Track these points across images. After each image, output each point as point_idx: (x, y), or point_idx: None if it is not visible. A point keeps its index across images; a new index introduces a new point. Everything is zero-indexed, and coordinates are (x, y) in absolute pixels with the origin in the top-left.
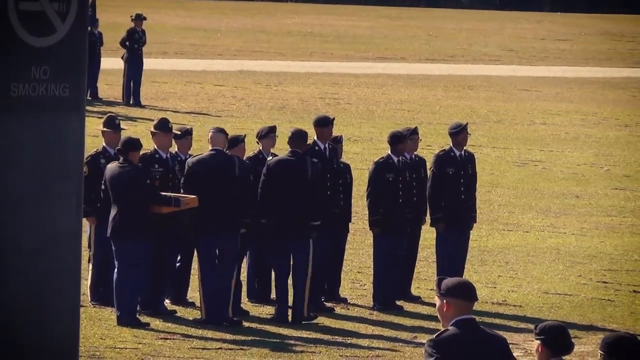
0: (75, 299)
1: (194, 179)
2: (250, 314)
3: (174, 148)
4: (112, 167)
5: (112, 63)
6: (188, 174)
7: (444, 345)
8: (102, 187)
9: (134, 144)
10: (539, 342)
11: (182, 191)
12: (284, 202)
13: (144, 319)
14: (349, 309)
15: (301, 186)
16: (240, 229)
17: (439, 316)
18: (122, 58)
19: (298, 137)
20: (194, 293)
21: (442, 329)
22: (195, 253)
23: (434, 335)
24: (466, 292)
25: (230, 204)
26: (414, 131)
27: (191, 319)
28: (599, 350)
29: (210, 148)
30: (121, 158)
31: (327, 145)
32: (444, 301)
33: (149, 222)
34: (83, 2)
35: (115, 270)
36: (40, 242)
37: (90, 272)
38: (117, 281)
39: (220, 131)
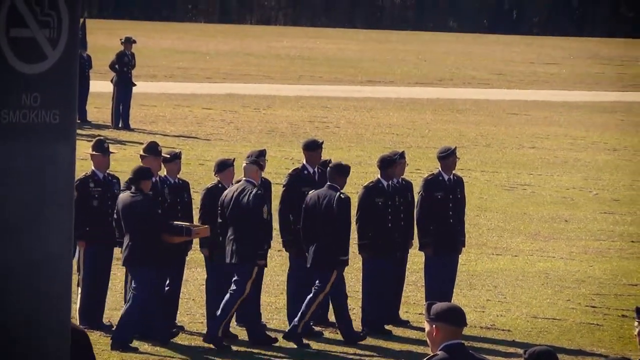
0: (66, 324)
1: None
2: (239, 338)
3: (163, 171)
4: (123, 196)
5: (101, 86)
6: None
7: None
8: (115, 215)
9: (145, 173)
10: None
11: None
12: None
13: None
14: (337, 333)
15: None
16: (258, 259)
17: (428, 341)
18: (111, 81)
19: (336, 170)
20: (182, 317)
21: (431, 353)
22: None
23: None
24: (456, 317)
25: (251, 233)
26: (402, 155)
27: (183, 342)
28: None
29: (244, 178)
30: (133, 187)
31: (316, 169)
32: (434, 326)
33: (160, 251)
34: (74, 29)
35: (129, 296)
36: (30, 269)
37: (79, 295)
38: (129, 307)
39: (254, 163)
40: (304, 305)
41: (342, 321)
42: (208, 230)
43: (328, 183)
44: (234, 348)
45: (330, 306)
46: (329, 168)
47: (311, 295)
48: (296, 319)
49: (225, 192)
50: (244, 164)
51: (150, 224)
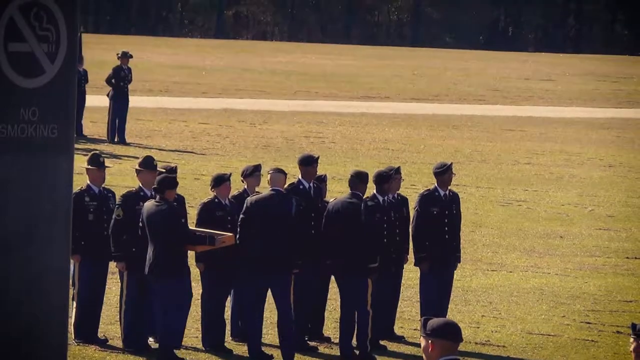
0: (63, 337)
1: (251, 218)
2: (234, 352)
3: None
4: (148, 205)
5: (97, 100)
6: (246, 213)
7: None
8: (140, 224)
9: (170, 182)
10: None
11: (238, 229)
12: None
13: (128, 357)
14: (332, 348)
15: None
16: (294, 269)
17: (424, 356)
18: (107, 95)
19: (358, 178)
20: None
21: None
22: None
23: None
24: (452, 333)
25: (285, 243)
26: (397, 170)
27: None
28: None
29: (270, 188)
30: (157, 197)
31: (311, 184)
32: (429, 341)
33: (184, 260)
34: (72, 44)
35: (153, 308)
36: (28, 282)
37: (74, 310)
38: (155, 320)
39: (280, 171)
40: (357, 325)
41: (350, 333)
42: (233, 238)
43: (350, 192)
44: None
45: (326, 321)
46: (350, 176)
47: (360, 315)
48: (360, 342)
49: (253, 200)
50: (270, 174)
51: (175, 233)
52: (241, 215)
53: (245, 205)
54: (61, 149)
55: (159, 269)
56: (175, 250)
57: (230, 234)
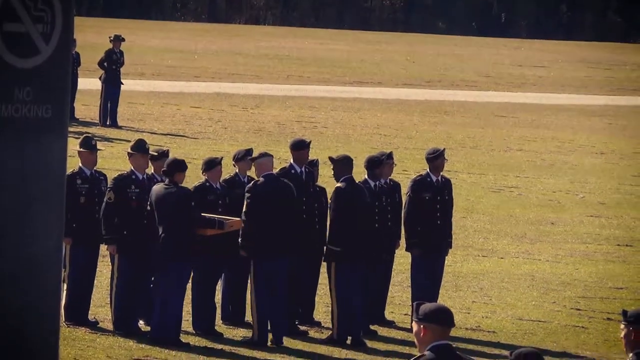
0: (55, 321)
1: (259, 203)
2: (224, 336)
3: (151, 169)
4: (157, 188)
5: (89, 83)
6: (253, 198)
7: None
8: (148, 207)
9: (179, 165)
10: None
11: (244, 217)
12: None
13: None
14: (322, 333)
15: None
16: (298, 253)
17: (415, 341)
18: (99, 79)
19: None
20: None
21: (419, 354)
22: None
23: None
24: (444, 318)
25: (288, 227)
26: (389, 156)
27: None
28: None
29: (262, 174)
30: (167, 179)
31: (303, 168)
32: (421, 326)
33: (193, 243)
34: (67, 24)
35: (159, 290)
36: (20, 265)
37: (64, 292)
38: (158, 301)
39: (268, 155)
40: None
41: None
42: (240, 222)
43: (348, 175)
44: (219, 347)
45: (317, 305)
46: (337, 161)
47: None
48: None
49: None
50: (263, 159)
51: (184, 216)
52: (247, 200)
53: (249, 190)
54: (55, 129)
55: (166, 252)
56: (184, 233)
57: (238, 219)
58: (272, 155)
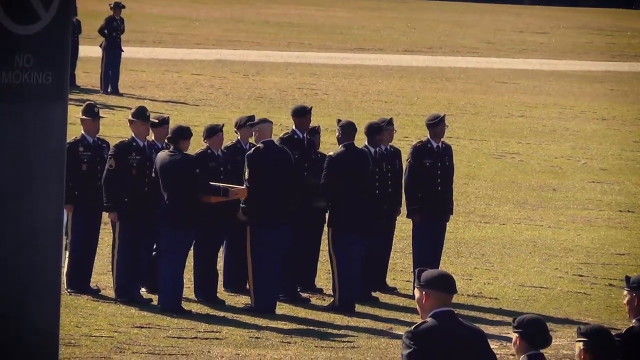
0: (56, 288)
1: (258, 170)
2: (226, 303)
3: (151, 136)
4: (162, 155)
5: (90, 51)
6: (253, 165)
7: (422, 336)
8: (153, 174)
9: (184, 132)
10: (516, 334)
11: (247, 184)
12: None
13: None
14: (324, 300)
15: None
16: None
17: (417, 308)
18: (100, 46)
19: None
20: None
21: (421, 320)
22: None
23: (412, 327)
24: (446, 284)
25: (288, 194)
26: (390, 122)
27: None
28: (577, 340)
29: (262, 140)
30: (171, 146)
31: (305, 134)
32: (424, 293)
33: (196, 210)
34: None
35: (160, 257)
36: (22, 232)
37: (66, 259)
38: (161, 268)
39: (267, 121)
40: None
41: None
42: (246, 191)
43: (350, 142)
44: (221, 314)
45: (318, 272)
46: (343, 125)
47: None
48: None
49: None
50: (263, 125)
51: (188, 183)
52: (247, 167)
53: (249, 157)
54: (55, 95)
55: (169, 219)
56: (189, 200)
57: (243, 187)
58: (271, 122)
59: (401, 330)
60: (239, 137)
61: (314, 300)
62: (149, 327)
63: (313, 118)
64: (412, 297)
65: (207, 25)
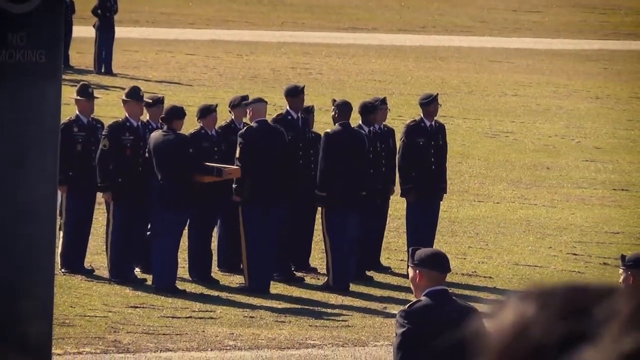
0: (50, 268)
1: (252, 150)
2: (220, 282)
3: (145, 116)
4: (155, 135)
5: (83, 31)
6: (246, 144)
7: (416, 316)
8: (146, 154)
9: (177, 112)
10: (417, 270)
11: (238, 163)
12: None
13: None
14: (319, 279)
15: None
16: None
17: (411, 286)
18: (93, 26)
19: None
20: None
21: (415, 299)
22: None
23: (406, 306)
24: (440, 263)
25: (281, 174)
26: (383, 101)
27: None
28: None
29: (256, 119)
30: (165, 126)
31: (299, 114)
32: (417, 272)
33: (190, 190)
34: None
35: (154, 237)
36: (16, 211)
37: (60, 239)
38: (155, 249)
39: (262, 100)
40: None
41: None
42: (239, 171)
43: (346, 121)
44: (215, 293)
45: (312, 252)
46: (338, 104)
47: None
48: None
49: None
50: (258, 104)
51: (182, 163)
52: (240, 146)
53: (242, 135)
54: (49, 74)
55: (163, 199)
56: (182, 180)
57: (237, 167)
58: (266, 101)
59: (395, 309)
60: (232, 117)
61: (308, 279)
62: (143, 307)
63: (307, 98)
64: (406, 276)
65: (200, 5)
